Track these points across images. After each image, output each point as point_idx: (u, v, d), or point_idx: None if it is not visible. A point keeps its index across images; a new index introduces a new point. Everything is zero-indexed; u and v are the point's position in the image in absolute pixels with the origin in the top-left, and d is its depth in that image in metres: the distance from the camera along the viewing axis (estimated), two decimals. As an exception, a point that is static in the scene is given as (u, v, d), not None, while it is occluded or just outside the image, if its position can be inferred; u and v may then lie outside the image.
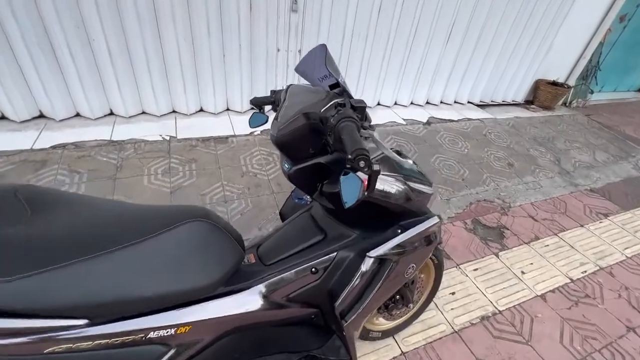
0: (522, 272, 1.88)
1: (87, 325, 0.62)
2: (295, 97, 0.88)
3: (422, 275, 1.33)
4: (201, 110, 2.68)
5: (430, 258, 1.25)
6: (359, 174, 0.60)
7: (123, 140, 2.20)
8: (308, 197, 1.04)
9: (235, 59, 2.48)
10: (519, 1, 3.23)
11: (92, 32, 2.06)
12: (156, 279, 0.69)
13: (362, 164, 0.58)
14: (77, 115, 2.33)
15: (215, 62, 2.46)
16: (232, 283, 0.85)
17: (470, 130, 3.30)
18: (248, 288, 0.86)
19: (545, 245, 2.10)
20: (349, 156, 0.58)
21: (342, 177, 0.61)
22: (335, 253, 0.91)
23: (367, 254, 0.87)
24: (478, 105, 3.85)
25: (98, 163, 2.01)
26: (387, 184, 0.81)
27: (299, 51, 2.69)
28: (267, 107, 1.03)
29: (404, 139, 2.90)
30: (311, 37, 2.65)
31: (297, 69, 0.93)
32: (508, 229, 2.18)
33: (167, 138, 2.31)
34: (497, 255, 1.96)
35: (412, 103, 3.52)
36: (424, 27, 2.98)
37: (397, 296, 1.19)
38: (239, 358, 0.88)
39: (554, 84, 4.14)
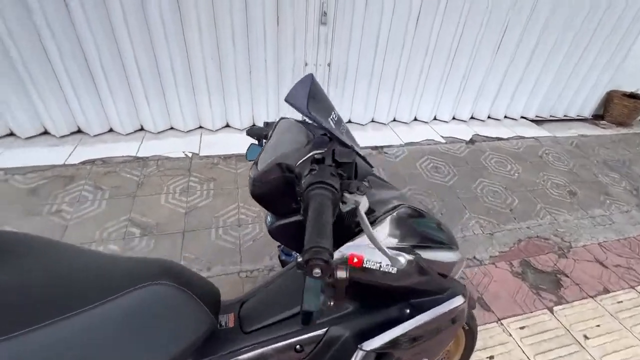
0: (585, 337, 1.51)
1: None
2: (280, 137, 0.72)
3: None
4: (227, 126, 2.65)
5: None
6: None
7: (147, 157, 2.22)
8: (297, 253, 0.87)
9: (262, 73, 2.41)
10: (587, 1, 2.78)
11: (123, 49, 2.11)
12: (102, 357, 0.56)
13: (316, 272, 0.39)
14: (110, 130, 2.41)
15: (241, 77, 2.41)
16: (203, 354, 0.71)
17: (522, 150, 2.89)
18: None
19: (618, 302, 1.69)
20: (299, 259, 0.40)
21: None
22: (325, 329, 0.73)
23: (360, 345, 0.67)
24: (533, 121, 3.39)
25: (121, 180, 2.03)
26: (386, 260, 0.60)
27: (329, 64, 2.55)
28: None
29: (441, 159, 2.61)
30: (341, 50, 2.50)
31: (286, 99, 0.76)
32: (567, 276, 1.80)
33: (190, 155, 2.29)
34: (551, 310, 1.61)
35: (454, 118, 3.19)
36: (469, 35, 2.67)
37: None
38: None
39: (632, 96, 3.51)
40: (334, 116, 0.65)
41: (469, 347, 1.11)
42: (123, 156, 2.20)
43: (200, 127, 2.59)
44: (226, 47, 2.25)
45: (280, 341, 0.73)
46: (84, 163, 2.10)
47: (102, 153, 2.20)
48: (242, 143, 2.47)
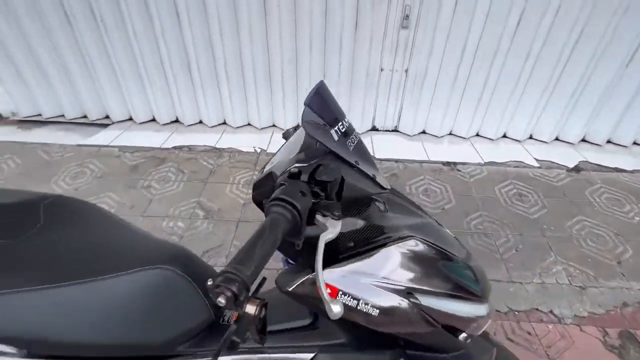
0: None
1: (25, 356, 0.62)
2: (291, 142, 0.70)
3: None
4: (298, 126, 2.74)
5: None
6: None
7: (223, 148, 2.46)
8: None
9: (334, 78, 2.42)
10: None
11: (216, 55, 2.38)
12: (100, 325, 0.64)
13: (219, 301, 0.34)
14: (200, 122, 2.76)
15: (315, 79, 2.46)
16: (198, 344, 0.74)
17: (653, 188, 2.23)
18: (210, 357, 0.73)
19: None
20: (209, 283, 0.36)
21: None
22: (314, 353, 0.68)
23: None
24: (679, 152, 2.59)
25: (199, 166, 2.30)
26: (367, 298, 0.51)
27: (406, 71, 2.41)
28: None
29: (529, 186, 2.21)
30: (421, 56, 2.33)
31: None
32: (695, 369, 1.31)
33: (258, 150, 2.45)
34: (657, 408, 1.20)
35: (556, 139, 2.66)
36: (589, 40, 2.18)
37: None
38: None
39: None
40: (342, 126, 0.59)
41: None
42: (204, 145, 2.49)
43: (274, 125, 2.75)
44: (304, 51, 2.33)
45: (270, 353, 0.71)
46: (174, 148, 2.46)
47: (190, 141, 2.53)
48: (307, 144, 2.53)
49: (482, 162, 2.39)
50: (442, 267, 0.60)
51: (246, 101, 2.61)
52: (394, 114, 2.63)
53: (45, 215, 0.78)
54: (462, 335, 0.61)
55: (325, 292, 0.40)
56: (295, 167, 0.50)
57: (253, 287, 0.40)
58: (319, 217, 0.45)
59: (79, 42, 2.38)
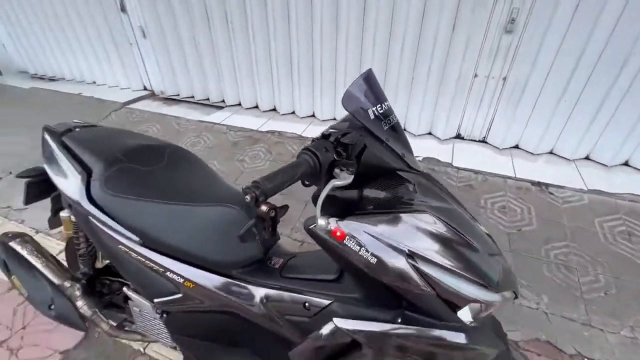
0: None
1: (139, 244, 0.92)
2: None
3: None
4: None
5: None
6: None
7: (307, 137, 2.73)
8: None
9: (422, 82, 2.42)
10: None
11: (315, 55, 2.65)
12: (188, 237, 0.90)
13: (246, 197, 0.50)
14: (292, 112, 3.10)
15: (402, 83, 2.51)
16: (246, 273, 0.94)
17: None
18: (254, 285, 0.92)
19: None
20: (244, 186, 0.51)
21: None
22: (330, 301, 0.80)
23: (334, 318, 0.70)
24: None
25: (284, 149, 2.62)
26: (367, 247, 0.60)
27: (504, 79, 2.25)
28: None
29: (646, 226, 1.82)
30: (525, 63, 2.13)
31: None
32: None
33: (337, 143, 2.64)
34: None
35: None
36: None
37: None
38: (219, 338, 0.98)
39: None
40: (380, 108, 0.69)
41: None
42: (292, 133, 2.80)
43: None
44: (394, 54, 2.40)
45: (296, 293, 0.86)
46: (268, 132, 2.84)
47: (281, 128, 2.88)
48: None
49: (585, 189, 2.06)
50: (456, 247, 0.64)
51: (335, 99, 2.83)
52: (484, 123, 2.47)
53: (168, 157, 1.10)
54: (466, 317, 0.64)
55: (319, 207, 0.54)
56: (328, 130, 0.63)
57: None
58: (337, 170, 0.58)
59: (213, 39, 2.96)
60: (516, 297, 0.74)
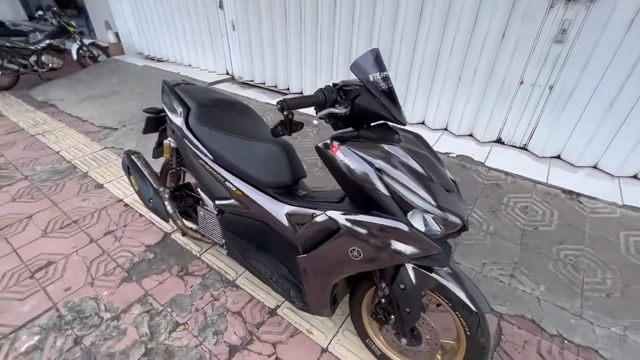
0: None
1: (211, 160, 1.36)
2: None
3: (452, 343, 1.13)
4: (422, 123, 3.03)
5: (461, 324, 1.04)
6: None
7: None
8: None
9: (467, 84, 2.58)
10: None
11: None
12: (245, 161, 1.31)
13: (277, 106, 0.86)
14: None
15: (448, 83, 2.68)
16: (278, 193, 1.31)
17: None
18: (282, 202, 1.29)
19: None
20: (277, 100, 0.87)
21: None
22: (332, 209, 1.13)
23: (326, 211, 1.02)
24: None
25: (330, 133, 2.98)
26: (350, 164, 0.93)
27: (550, 87, 2.30)
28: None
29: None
30: (572, 74, 2.18)
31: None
32: None
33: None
34: None
35: None
36: None
37: (393, 317, 1.13)
38: (254, 240, 1.38)
39: None
40: (379, 75, 1.00)
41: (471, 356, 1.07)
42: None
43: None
44: (444, 53, 2.60)
45: (309, 208, 1.19)
46: (320, 118, 3.23)
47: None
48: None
49: (620, 203, 2.03)
50: (415, 173, 0.93)
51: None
52: (526, 130, 2.53)
53: (237, 109, 1.54)
54: (415, 220, 0.92)
55: (319, 115, 0.89)
56: (336, 82, 0.97)
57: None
58: (336, 105, 0.91)
59: (287, 35, 3.46)
60: (465, 229, 0.98)
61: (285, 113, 0.92)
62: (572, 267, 1.71)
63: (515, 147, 2.63)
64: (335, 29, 3.09)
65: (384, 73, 1.04)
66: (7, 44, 4.14)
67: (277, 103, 0.89)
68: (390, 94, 1.04)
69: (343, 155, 0.95)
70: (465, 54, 2.51)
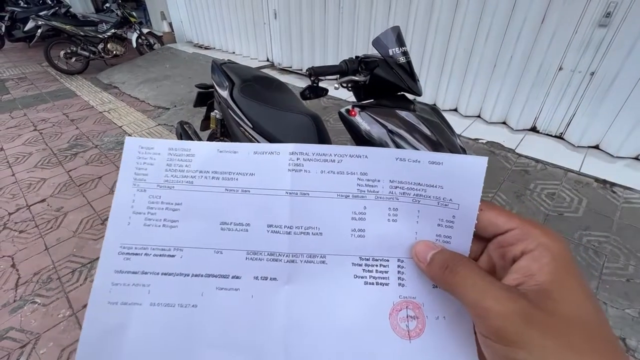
0: None
1: (251, 128, 1.57)
2: None
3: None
4: (455, 110, 3.03)
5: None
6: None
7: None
8: None
9: (502, 70, 2.55)
10: None
11: (408, 36, 3.01)
12: (278, 128, 1.50)
13: (307, 73, 1.02)
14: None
15: (483, 69, 2.67)
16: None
17: None
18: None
19: None
20: (306, 69, 1.03)
21: None
22: None
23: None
24: None
25: (362, 118, 3.10)
26: (365, 126, 1.07)
27: (591, 74, 2.23)
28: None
29: None
30: (616, 60, 2.09)
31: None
32: None
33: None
34: None
35: None
36: None
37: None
38: None
39: None
40: (399, 49, 1.12)
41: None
42: (372, 106, 3.26)
43: (434, 104, 3.15)
44: (480, 40, 2.59)
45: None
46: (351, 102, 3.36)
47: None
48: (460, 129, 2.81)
49: (659, 195, 1.95)
50: (425, 138, 1.05)
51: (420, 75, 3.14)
52: (563, 118, 2.46)
53: (275, 85, 1.73)
54: None
55: (340, 81, 1.04)
56: (359, 55, 1.11)
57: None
58: (357, 74, 1.06)
59: (325, 24, 3.60)
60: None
61: (312, 79, 1.09)
62: (593, 252, 1.71)
63: (550, 135, 2.57)
64: (372, 16, 3.17)
65: (403, 48, 1.16)
66: (81, 33, 4.72)
67: (306, 70, 1.06)
68: (408, 67, 1.17)
69: (361, 119, 1.10)
70: (502, 39, 2.49)
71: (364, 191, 0.28)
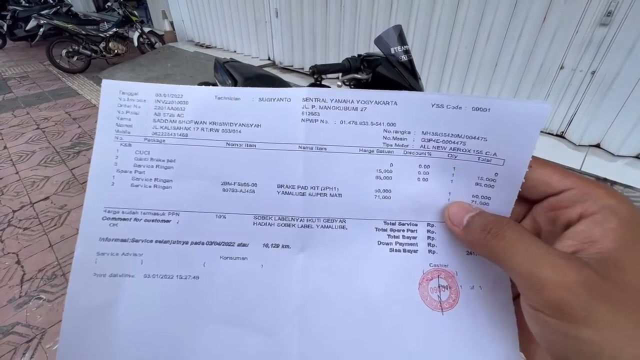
0: None
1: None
2: None
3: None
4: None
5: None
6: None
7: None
8: None
9: (504, 69, 2.56)
10: None
11: (409, 35, 3.02)
12: None
13: (309, 70, 1.03)
14: (379, 89, 3.54)
15: (484, 69, 2.68)
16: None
17: None
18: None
19: None
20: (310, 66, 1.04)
21: None
22: None
23: None
24: None
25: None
26: None
27: (592, 73, 2.23)
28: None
29: None
30: (617, 59, 2.10)
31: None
32: None
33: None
34: None
35: None
36: None
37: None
38: None
39: None
40: (401, 48, 1.13)
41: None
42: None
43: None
44: (481, 40, 2.60)
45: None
46: (354, 102, 3.37)
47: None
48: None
49: (659, 193, 1.96)
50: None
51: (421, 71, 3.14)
52: (564, 117, 2.47)
53: (277, 83, 1.75)
54: None
55: (342, 79, 1.06)
56: (362, 53, 1.12)
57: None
58: (360, 72, 1.07)
59: (327, 23, 3.61)
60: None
61: (315, 77, 1.10)
62: (594, 250, 1.72)
63: (551, 134, 2.58)
64: (374, 15, 3.18)
65: (405, 47, 1.17)
66: (83, 32, 4.73)
67: (310, 68, 1.07)
68: (410, 65, 1.18)
69: None
70: (504, 38, 2.50)
71: (391, 145, 0.24)
